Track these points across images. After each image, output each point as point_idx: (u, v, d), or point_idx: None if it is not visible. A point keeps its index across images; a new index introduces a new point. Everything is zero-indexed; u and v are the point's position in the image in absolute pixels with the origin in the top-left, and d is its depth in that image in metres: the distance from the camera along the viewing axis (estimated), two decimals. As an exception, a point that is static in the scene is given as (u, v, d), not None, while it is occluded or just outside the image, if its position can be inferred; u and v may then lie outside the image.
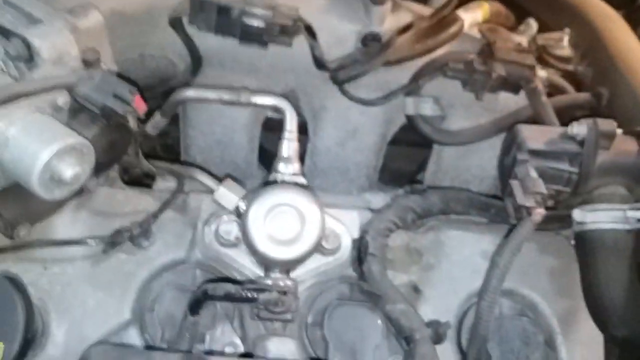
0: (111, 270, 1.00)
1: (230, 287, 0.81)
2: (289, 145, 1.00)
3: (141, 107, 0.81)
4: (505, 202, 0.96)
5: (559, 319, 1.07)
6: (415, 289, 1.07)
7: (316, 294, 1.03)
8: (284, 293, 0.84)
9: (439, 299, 1.06)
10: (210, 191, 1.00)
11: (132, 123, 0.80)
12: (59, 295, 0.97)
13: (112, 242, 0.94)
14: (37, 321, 0.93)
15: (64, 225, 1.00)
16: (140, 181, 1.19)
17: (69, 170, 0.73)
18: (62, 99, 0.79)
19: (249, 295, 0.80)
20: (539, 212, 0.88)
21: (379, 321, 1.00)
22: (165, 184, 1.13)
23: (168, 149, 1.35)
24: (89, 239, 0.94)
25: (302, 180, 0.99)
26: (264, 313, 0.89)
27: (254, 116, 1.12)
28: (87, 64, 0.83)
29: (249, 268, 0.99)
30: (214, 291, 0.81)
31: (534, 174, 0.91)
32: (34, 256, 0.97)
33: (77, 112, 0.82)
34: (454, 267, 1.09)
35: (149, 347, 0.95)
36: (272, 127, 1.13)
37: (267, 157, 1.16)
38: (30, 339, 0.86)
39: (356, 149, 1.13)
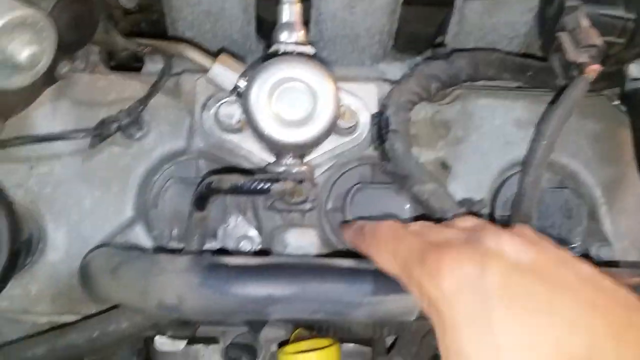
0: (105, 166, 0.91)
1: (237, 179, 0.70)
2: (290, 9, 0.85)
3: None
4: (551, 60, 0.82)
5: (603, 188, 0.98)
6: (444, 166, 0.97)
7: (335, 178, 0.94)
8: (300, 181, 0.73)
9: (470, 175, 0.97)
10: (205, 70, 0.87)
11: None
12: (50, 197, 0.89)
13: (99, 134, 0.83)
14: (32, 226, 0.85)
15: (44, 117, 0.89)
16: (129, 65, 1.05)
17: (24, 50, 0.61)
18: (6, -38, 0.64)
19: (260, 186, 0.69)
20: (594, 69, 0.75)
21: (406, 203, 0.92)
22: (155, 67, 1.00)
23: (154, 24, 1.19)
24: (73, 133, 0.83)
25: (309, 49, 0.85)
26: (280, 204, 0.79)
27: (247, -21, 0.95)
28: None
29: (258, 155, 0.89)
30: (219, 184, 0.71)
31: (586, 22, 0.77)
32: (16, 155, 0.87)
33: (29, -21, 0.67)
34: (484, 139, 0.98)
35: (159, 249, 0.88)
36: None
37: (268, 28, 1.00)
38: (23, 247, 0.78)
39: (366, 12, 0.97)
